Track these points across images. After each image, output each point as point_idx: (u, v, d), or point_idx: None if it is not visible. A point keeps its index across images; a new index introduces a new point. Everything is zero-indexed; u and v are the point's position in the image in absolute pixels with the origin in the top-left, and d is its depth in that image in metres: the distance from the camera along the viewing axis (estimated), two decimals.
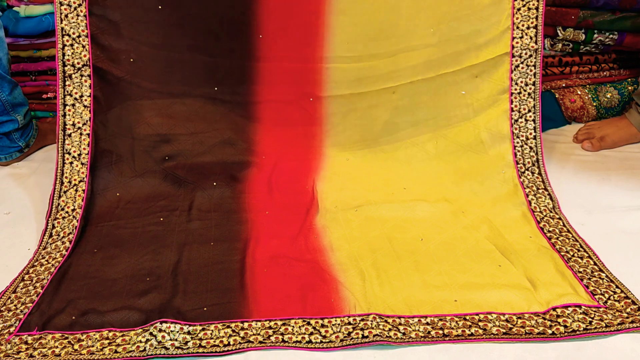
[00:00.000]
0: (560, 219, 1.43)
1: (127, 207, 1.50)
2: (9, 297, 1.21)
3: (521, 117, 1.61)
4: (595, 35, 1.85)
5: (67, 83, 1.52)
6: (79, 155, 1.52)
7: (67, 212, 1.45)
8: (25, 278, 1.27)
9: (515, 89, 1.62)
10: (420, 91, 1.65)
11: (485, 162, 1.60)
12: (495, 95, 1.63)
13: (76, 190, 1.49)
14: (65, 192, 1.48)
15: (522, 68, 1.62)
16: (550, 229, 1.39)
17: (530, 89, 1.62)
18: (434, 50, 1.62)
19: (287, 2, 1.58)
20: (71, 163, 1.51)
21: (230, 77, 1.62)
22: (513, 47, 1.61)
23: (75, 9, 1.52)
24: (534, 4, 1.60)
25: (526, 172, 1.56)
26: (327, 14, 1.58)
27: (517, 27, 1.61)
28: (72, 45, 1.52)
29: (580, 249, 1.32)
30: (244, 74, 1.62)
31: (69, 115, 1.53)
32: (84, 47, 1.53)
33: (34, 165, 1.73)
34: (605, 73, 1.95)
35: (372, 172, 1.64)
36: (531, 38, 1.61)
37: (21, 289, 1.23)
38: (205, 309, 1.16)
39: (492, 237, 1.37)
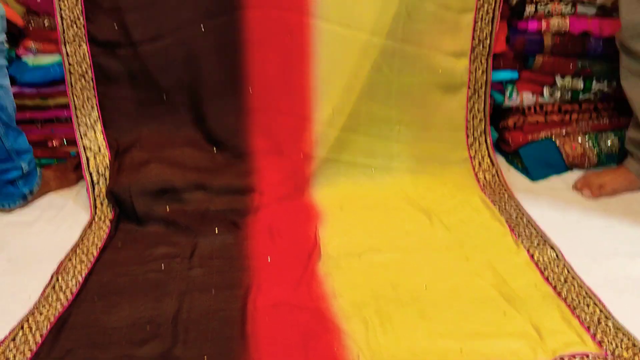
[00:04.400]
0: (564, 266, 1.42)
1: (128, 255, 1.49)
2: (8, 346, 1.19)
3: None
4: (594, 84, 1.88)
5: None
6: None
7: (72, 268, 1.45)
8: (24, 327, 1.25)
9: None
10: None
11: (485, 234, 1.59)
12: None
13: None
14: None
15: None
16: (555, 277, 1.38)
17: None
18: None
19: (275, 60, 1.72)
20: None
21: (223, 129, 1.76)
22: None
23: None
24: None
25: (523, 240, 1.53)
26: (313, 78, 1.74)
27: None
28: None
29: (586, 296, 1.31)
30: (236, 127, 1.76)
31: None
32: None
33: (36, 213, 1.73)
34: (605, 120, 1.97)
35: (374, 218, 1.64)
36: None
37: (20, 337, 1.22)
38: (205, 358, 1.14)
39: (496, 284, 1.36)
